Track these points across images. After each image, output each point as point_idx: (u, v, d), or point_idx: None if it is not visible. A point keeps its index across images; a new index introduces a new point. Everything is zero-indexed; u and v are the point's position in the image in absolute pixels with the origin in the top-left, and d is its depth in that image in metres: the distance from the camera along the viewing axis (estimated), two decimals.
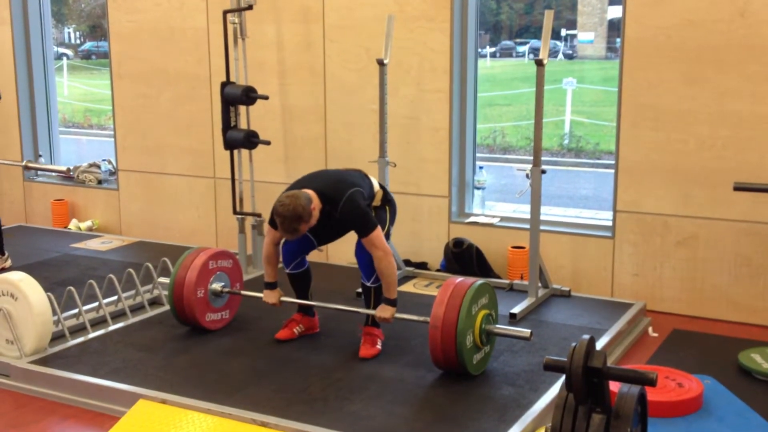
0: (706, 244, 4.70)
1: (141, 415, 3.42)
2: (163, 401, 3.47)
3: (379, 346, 4.01)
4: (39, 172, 5.82)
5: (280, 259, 4.15)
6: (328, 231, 4.09)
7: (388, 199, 4.15)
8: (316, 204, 3.80)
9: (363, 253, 3.91)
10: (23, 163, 4.66)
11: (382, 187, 4.14)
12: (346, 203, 3.81)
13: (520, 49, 16.07)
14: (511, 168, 9.47)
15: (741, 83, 4.50)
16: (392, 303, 3.89)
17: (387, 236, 3.98)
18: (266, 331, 4.27)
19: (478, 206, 5.60)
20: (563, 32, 14.83)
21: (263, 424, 3.25)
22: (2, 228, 5.59)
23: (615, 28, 13.88)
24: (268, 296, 4.15)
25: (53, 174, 7.13)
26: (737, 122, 4.53)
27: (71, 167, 5.24)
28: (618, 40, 4.90)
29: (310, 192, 3.82)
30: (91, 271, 5.50)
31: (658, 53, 4.67)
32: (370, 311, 3.98)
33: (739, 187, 4.03)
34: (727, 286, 4.68)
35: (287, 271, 4.14)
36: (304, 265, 4.16)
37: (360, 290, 4.23)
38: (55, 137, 7.36)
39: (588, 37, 15.27)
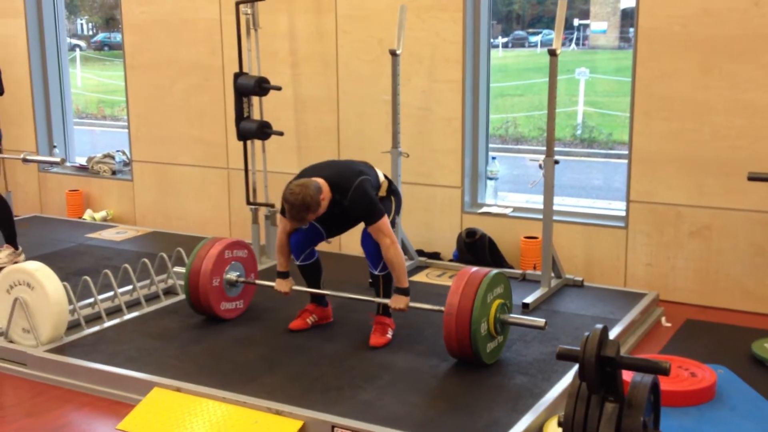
0: (720, 234, 4.69)
1: (156, 402, 3.45)
2: (178, 389, 3.50)
3: (389, 335, 4.03)
4: (64, 161, 5.89)
5: None
6: (336, 222, 4.11)
7: (392, 190, 4.16)
8: (325, 193, 3.83)
9: (369, 242, 3.93)
10: (21, 156, 4.72)
11: (386, 178, 4.15)
12: (356, 191, 3.83)
13: (533, 39, 16.01)
14: (523, 158, 9.45)
15: (756, 72, 4.47)
16: (404, 292, 3.90)
17: (392, 225, 3.99)
18: (280, 321, 4.30)
19: (491, 196, 5.60)
20: (576, 22, 14.76)
21: (278, 413, 3.28)
22: (16, 219, 5.63)
23: (628, 17, 13.80)
24: (280, 285, 4.18)
25: (68, 165, 7.21)
26: (752, 112, 4.51)
27: (64, 158, 5.32)
28: (631, 29, 4.88)
29: (320, 181, 3.85)
30: (106, 260, 5.54)
31: (672, 43, 4.65)
32: (381, 300, 4.00)
33: (753, 177, 4.01)
34: (741, 275, 4.67)
35: (297, 263, 4.16)
36: (314, 256, 4.18)
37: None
38: (70, 128, 7.41)
39: (601, 26, 15.20)
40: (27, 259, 5.40)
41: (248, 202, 5.51)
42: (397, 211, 4.20)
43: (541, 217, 4.73)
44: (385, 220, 3.85)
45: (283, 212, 3.94)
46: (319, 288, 4.24)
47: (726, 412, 3.36)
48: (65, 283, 4.05)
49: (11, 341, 4.02)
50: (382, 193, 4.08)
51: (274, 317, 4.38)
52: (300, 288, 4.21)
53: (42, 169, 7.16)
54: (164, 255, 4.82)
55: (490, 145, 5.66)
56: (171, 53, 6.32)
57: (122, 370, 3.71)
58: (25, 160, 4.75)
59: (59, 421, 3.45)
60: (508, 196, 5.87)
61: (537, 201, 5.33)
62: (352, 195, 3.84)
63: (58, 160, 4.77)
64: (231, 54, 5.78)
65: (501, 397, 3.44)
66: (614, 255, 5.01)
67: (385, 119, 5.37)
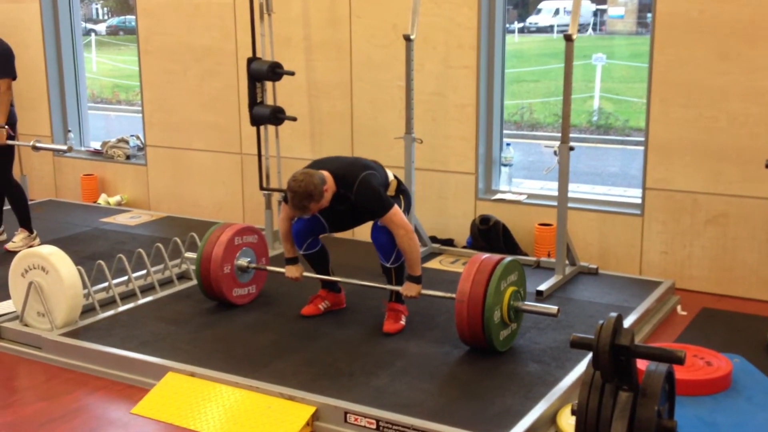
0: (737, 222, 4.64)
1: (170, 387, 3.46)
2: (192, 374, 3.52)
3: (402, 322, 4.03)
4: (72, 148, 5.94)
5: None
6: (342, 217, 4.08)
7: (401, 189, 4.14)
8: (329, 185, 3.82)
9: (379, 235, 3.91)
10: (31, 144, 4.77)
11: (396, 177, 4.14)
12: (361, 184, 3.82)
13: None
14: (538, 145, 9.40)
15: None
16: (417, 280, 3.90)
17: None
18: (292, 307, 4.30)
19: (505, 183, 5.57)
20: (593, 7, 14.64)
21: (290, 398, 3.28)
22: (31, 203, 5.65)
23: (645, 2, 13.67)
24: (290, 271, 4.18)
25: (82, 150, 7.23)
26: None
27: (71, 145, 5.45)
28: (649, 15, 4.82)
29: (325, 173, 3.84)
30: (120, 245, 5.56)
31: (689, 28, 4.59)
32: (394, 287, 3.99)
33: None
34: (758, 264, 4.63)
35: (301, 252, 4.15)
36: (317, 245, 4.16)
37: None
38: (84, 113, 7.42)
39: (618, 12, 15.07)
40: (42, 243, 5.42)
41: (261, 188, 5.50)
42: (407, 210, 4.17)
43: (555, 204, 4.70)
44: (396, 210, 3.83)
45: (286, 200, 3.94)
46: (328, 274, 4.23)
47: (741, 401, 3.34)
48: (79, 267, 4.07)
49: (26, 325, 4.04)
50: (391, 192, 4.05)
51: (287, 303, 4.38)
52: (311, 275, 4.20)
53: (57, 153, 7.18)
54: (178, 240, 4.83)
55: (505, 132, 5.62)
56: (185, 38, 6.31)
57: (136, 355, 3.73)
58: (35, 148, 4.79)
59: (74, 405, 3.47)
60: (523, 183, 5.84)
61: (552, 188, 5.30)
62: (358, 188, 3.82)
63: (65, 147, 4.81)
64: (244, 39, 5.75)
65: (514, 384, 3.43)
66: (630, 242, 4.98)
67: (399, 105, 5.34)
